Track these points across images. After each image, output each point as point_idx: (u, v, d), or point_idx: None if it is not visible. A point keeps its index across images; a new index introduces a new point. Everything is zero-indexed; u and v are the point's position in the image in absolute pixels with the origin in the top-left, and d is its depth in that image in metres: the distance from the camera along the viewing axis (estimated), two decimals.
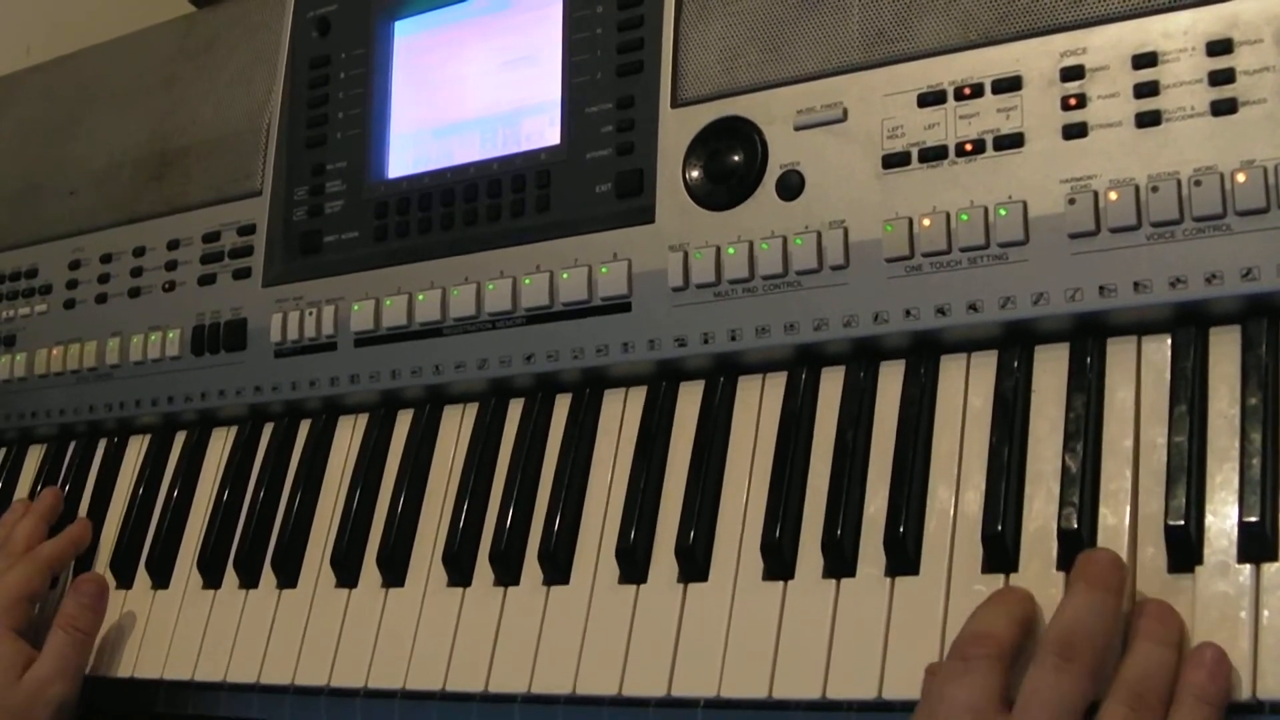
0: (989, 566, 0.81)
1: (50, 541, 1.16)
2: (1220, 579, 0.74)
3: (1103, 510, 0.79)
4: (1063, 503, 0.80)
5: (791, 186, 0.93)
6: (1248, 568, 0.74)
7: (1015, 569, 0.80)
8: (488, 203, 1.06)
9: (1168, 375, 0.81)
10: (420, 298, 1.06)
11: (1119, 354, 0.84)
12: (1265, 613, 0.72)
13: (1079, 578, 0.75)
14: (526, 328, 1.02)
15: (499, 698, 0.94)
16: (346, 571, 1.04)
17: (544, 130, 1.05)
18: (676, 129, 0.98)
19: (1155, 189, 0.81)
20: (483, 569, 0.98)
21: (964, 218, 0.87)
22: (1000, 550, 0.80)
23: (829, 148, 0.92)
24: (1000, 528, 0.80)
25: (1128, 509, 0.79)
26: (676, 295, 0.96)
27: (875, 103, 0.91)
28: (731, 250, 0.94)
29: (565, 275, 1.00)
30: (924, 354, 0.89)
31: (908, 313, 0.88)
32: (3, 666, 1.06)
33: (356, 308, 1.09)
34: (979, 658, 0.74)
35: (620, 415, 1.00)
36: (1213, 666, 0.72)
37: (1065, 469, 0.81)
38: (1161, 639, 0.73)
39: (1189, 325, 0.82)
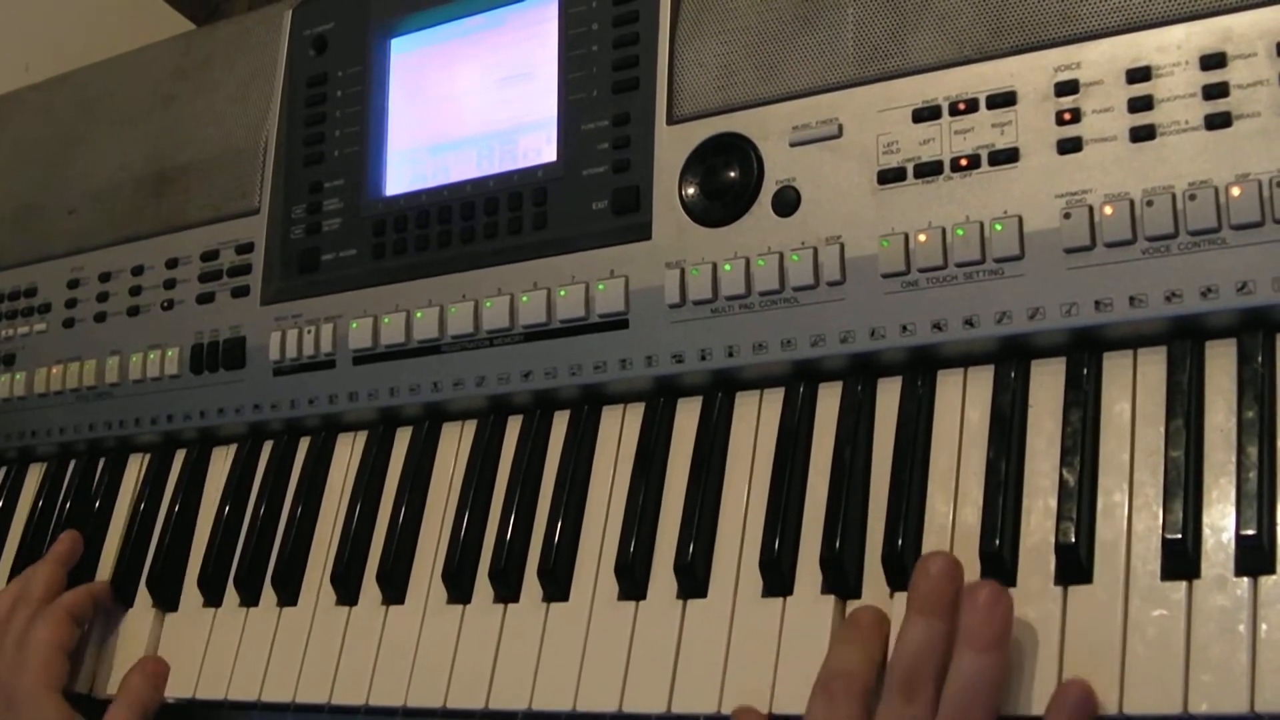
0: None
1: (70, 592, 1.13)
2: (1218, 592, 0.74)
3: (1100, 524, 0.80)
4: (1060, 517, 0.80)
5: (788, 203, 0.93)
6: (1245, 581, 0.74)
7: (1014, 583, 0.80)
8: (485, 220, 1.06)
9: (1164, 389, 0.81)
10: (418, 315, 1.06)
11: (1115, 368, 0.84)
12: (1263, 626, 0.72)
13: (911, 604, 0.79)
14: (524, 345, 1.02)
15: (500, 715, 0.94)
16: (346, 589, 1.04)
17: (540, 147, 1.06)
18: (672, 146, 0.99)
19: (1150, 203, 0.81)
20: (482, 586, 0.99)
21: (960, 233, 0.87)
22: (998, 565, 0.80)
23: (825, 164, 0.93)
24: (998, 543, 0.80)
25: (1125, 523, 0.79)
26: (674, 312, 0.96)
27: (870, 119, 0.92)
28: (728, 267, 0.94)
29: (563, 292, 1.00)
30: (921, 369, 0.89)
31: (904, 328, 0.88)
32: None
33: (355, 325, 1.09)
34: (841, 693, 0.80)
35: (618, 432, 1.00)
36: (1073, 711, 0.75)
37: (1063, 483, 0.81)
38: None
39: (1185, 339, 0.82)
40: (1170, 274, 0.81)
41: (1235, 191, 0.79)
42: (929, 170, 0.89)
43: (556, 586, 0.95)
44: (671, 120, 0.99)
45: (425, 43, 1.14)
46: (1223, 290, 0.79)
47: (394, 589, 1.02)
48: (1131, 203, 0.82)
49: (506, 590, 0.97)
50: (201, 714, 1.10)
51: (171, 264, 1.21)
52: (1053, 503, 0.81)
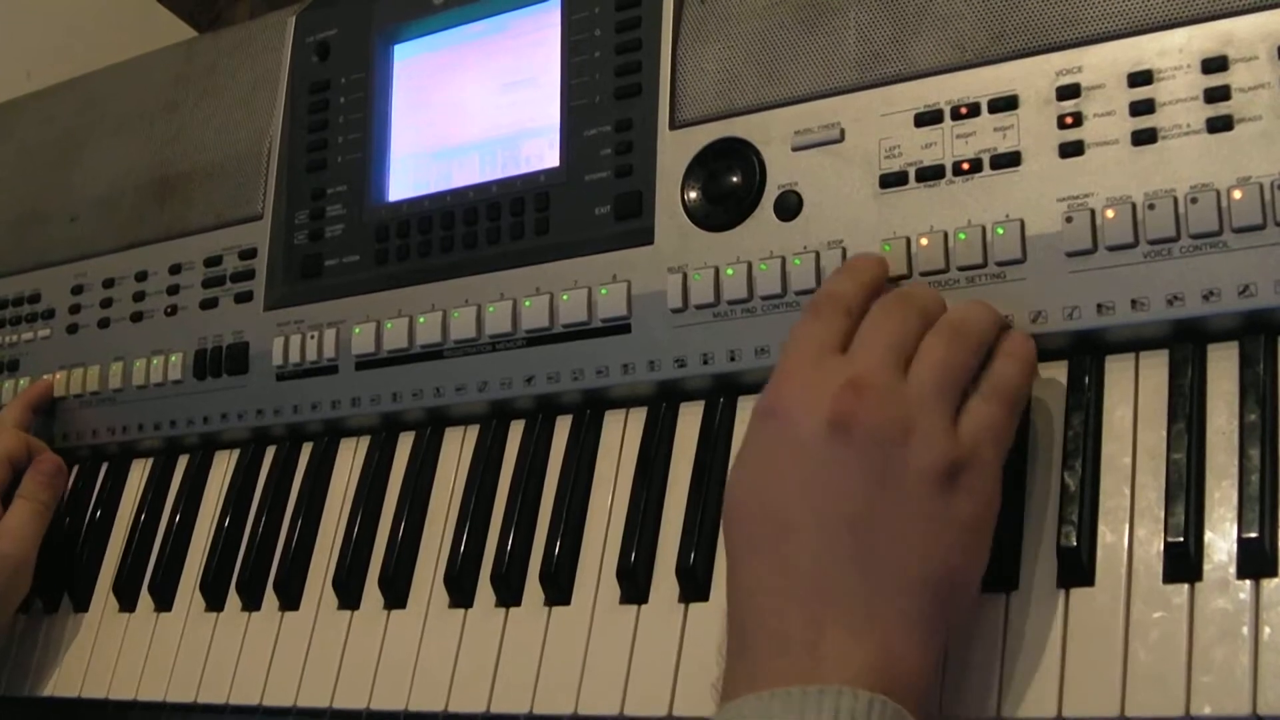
0: (988, 584, 0.80)
1: (9, 406, 1.24)
2: (1220, 595, 0.74)
3: (1101, 528, 0.79)
4: (1062, 520, 0.80)
5: (790, 207, 0.93)
6: (1247, 584, 0.74)
7: (1015, 586, 0.80)
8: (487, 225, 1.06)
9: (1166, 392, 0.81)
10: (421, 320, 1.06)
11: (1117, 371, 0.84)
12: (1265, 629, 0.72)
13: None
14: (527, 349, 1.02)
15: (501, 718, 0.94)
16: (348, 593, 1.04)
17: (543, 153, 1.06)
18: (675, 151, 0.99)
19: (1152, 206, 0.81)
20: (484, 590, 0.98)
21: (961, 237, 0.87)
22: (1000, 567, 0.80)
23: (827, 168, 0.93)
24: (1000, 546, 0.80)
25: (1127, 526, 0.79)
26: (676, 316, 0.96)
27: (872, 123, 0.92)
28: (730, 271, 0.94)
29: (565, 297, 1.00)
30: None
31: None
32: None
33: (357, 330, 1.09)
34: (828, 309, 0.82)
35: (620, 436, 1.00)
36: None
37: (1064, 487, 0.81)
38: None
39: (1187, 342, 0.82)
40: (1172, 277, 0.81)
41: (1237, 194, 0.79)
42: (931, 174, 0.89)
43: (558, 590, 0.95)
44: (674, 125, 0.99)
45: (428, 49, 1.14)
46: (1224, 293, 0.79)
47: (396, 593, 1.02)
48: (1133, 206, 0.82)
49: (508, 594, 0.97)
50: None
51: (175, 270, 1.22)
52: (1054, 506, 0.81)
